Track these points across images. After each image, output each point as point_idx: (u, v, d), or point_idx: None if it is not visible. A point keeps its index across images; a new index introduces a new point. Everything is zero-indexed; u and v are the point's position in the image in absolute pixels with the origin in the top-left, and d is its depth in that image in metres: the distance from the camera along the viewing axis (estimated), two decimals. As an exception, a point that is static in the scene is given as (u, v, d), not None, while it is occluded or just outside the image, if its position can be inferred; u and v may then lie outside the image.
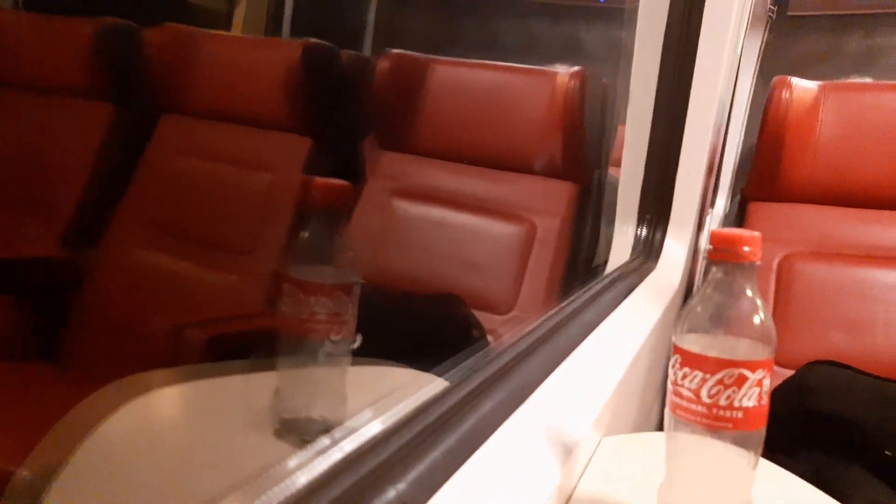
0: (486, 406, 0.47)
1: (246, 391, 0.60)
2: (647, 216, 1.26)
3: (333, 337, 0.55)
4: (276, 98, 1.47)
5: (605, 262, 1.28)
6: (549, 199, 1.41)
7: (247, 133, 1.53)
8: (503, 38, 3.02)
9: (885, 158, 1.20)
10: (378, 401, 0.47)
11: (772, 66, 2.99)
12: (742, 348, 0.43)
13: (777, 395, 1.04)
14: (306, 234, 0.55)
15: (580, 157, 1.42)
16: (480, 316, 1.30)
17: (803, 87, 1.27)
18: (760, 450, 0.45)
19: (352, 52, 1.63)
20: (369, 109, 1.59)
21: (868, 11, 2.88)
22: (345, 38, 1.65)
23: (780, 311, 1.17)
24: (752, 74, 2.90)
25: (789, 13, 2.95)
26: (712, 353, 0.43)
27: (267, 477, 0.32)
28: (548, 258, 1.36)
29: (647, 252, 1.22)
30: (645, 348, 0.82)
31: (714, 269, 0.44)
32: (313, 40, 1.46)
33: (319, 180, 0.52)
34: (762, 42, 2.99)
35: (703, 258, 1.27)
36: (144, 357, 1.26)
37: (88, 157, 1.56)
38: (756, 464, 0.45)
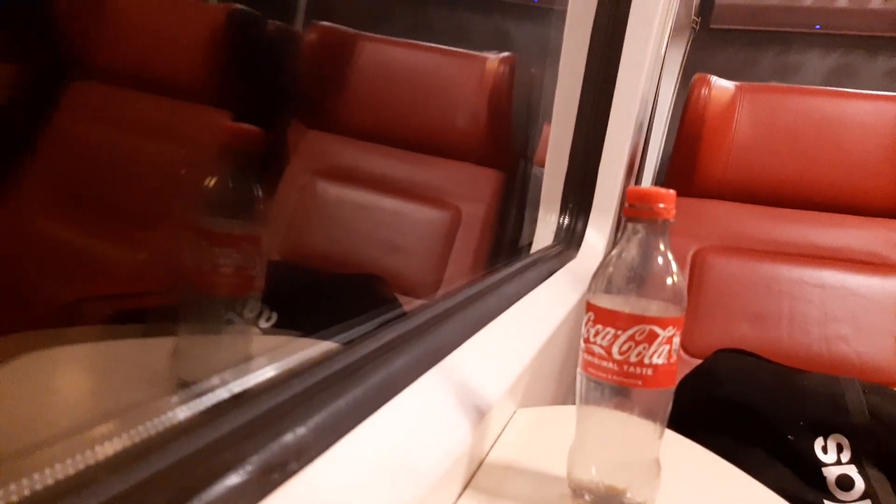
0: (398, 363, 0.45)
1: (144, 353, 0.56)
2: (570, 206, 1.27)
3: (239, 293, 0.52)
4: (196, 66, 1.41)
5: (529, 247, 1.29)
6: (475, 186, 1.41)
7: (163, 103, 1.46)
8: (436, 27, 3.03)
9: (793, 160, 1.25)
10: (279, 360, 0.45)
11: (694, 74, 3.10)
12: (654, 306, 0.43)
13: (686, 382, 1.07)
14: (214, 182, 0.51)
15: (507, 144, 1.42)
16: (403, 300, 1.28)
17: (721, 85, 1.31)
18: (669, 410, 0.45)
19: (280, 22, 1.58)
20: (295, 85, 1.55)
21: (783, 29, 3.03)
22: (274, 9, 1.59)
23: (692, 302, 1.20)
24: (674, 80, 3.01)
25: (711, 25, 3.07)
26: (624, 309, 0.42)
27: (147, 409, 0.29)
28: (472, 244, 1.35)
29: (569, 240, 1.23)
30: (563, 327, 0.82)
31: (630, 227, 0.44)
32: (239, 6, 1.40)
33: (230, 123, 0.49)
34: (685, 50, 3.10)
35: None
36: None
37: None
38: (664, 423, 0.45)
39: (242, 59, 1.48)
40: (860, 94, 1.29)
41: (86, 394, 0.47)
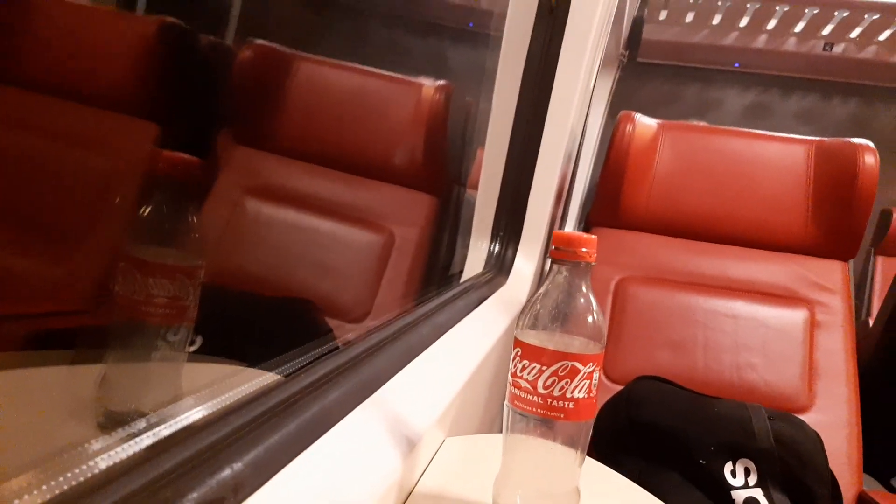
0: (331, 396, 0.46)
1: (69, 380, 0.55)
2: (501, 234, 1.30)
3: (171, 323, 0.52)
4: (123, 77, 1.38)
5: (460, 274, 1.31)
6: (408, 210, 1.42)
7: (87, 113, 1.42)
8: (372, 46, 3.05)
9: (710, 196, 1.33)
10: (215, 395, 0.45)
11: (621, 105, 3.24)
12: (576, 343, 0.45)
13: (607, 407, 1.12)
14: (149, 211, 0.51)
15: (441, 170, 1.45)
16: (334, 324, 1.28)
17: (645, 123, 1.38)
18: (588, 440, 0.48)
19: (212, 37, 1.57)
20: (227, 101, 1.53)
21: (705, 66, 3.21)
22: (207, 24, 1.57)
23: (614, 330, 1.25)
24: (602, 111, 3.13)
25: (638, 59, 3.21)
26: (550, 346, 0.45)
27: (75, 454, 0.29)
28: (404, 268, 1.36)
29: (499, 267, 1.26)
30: (491, 356, 0.84)
31: (555, 267, 0.47)
32: (170, 19, 1.39)
33: (168, 152, 0.50)
34: (613, 82, 3.23)
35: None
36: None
37: None
38: (584, 453, 0.48)
39: (173, 73, 1.46)
40: (773, 136, 1.38)
41: (5, 430, 0.46)
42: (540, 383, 0.45)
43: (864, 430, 1.17)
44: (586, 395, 0.45)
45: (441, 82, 1.43)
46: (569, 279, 0.46)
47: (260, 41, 1.50)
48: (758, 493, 0.93)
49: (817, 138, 1.35)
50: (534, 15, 1.30)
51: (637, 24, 3.06)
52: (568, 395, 0.45)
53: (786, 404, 1.16)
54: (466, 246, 1.37)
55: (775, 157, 1.33)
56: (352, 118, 1.48)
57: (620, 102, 3.26)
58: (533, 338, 0.46)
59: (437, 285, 1.40)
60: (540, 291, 0.47)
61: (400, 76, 1.51)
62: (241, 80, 1.51)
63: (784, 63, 3.05)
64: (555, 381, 0.45)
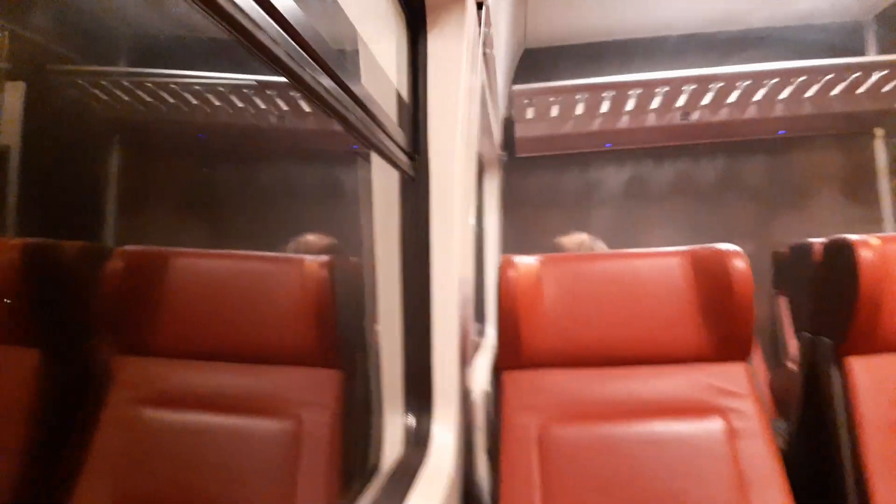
0: None
1: None
2: (412, 403, 1.27)
3: None
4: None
5: (381, 452, 1.26)
6: (314, 390, 1.37)
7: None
8: (262, 182, 3.04)
9: (597, 320, 1.34)
10: None
11: (512, 199, 3.35)
12: None
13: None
14: None
15: (339, 343, 1.41)
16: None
17: (525, 262, 1.40)
18: None
19: (81, 244, 1.50)
20: (105, 314, 1.46)
21: (580, 151, 3.35)
22: (77, 235, 1.52)
23: (546, 481, 1.22)
24: (497, 208, 3.20)
25: (517, 155, 3.34)
26: None
27: None
28: (321, 456, 1.30)
29: (417, 441, 1.22)
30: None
31: None
32: (31, 240, 1.31)
33: None
34: (500, 180, 3.33)
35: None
36: None
37: None
38: None
39: (42, 293, 1.38)
40: (647, 252, 1.43)
41: None
42: None
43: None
44: None
45: (324, 258, 1.41)
46: None
47: (132, 247, 1.44)
48: None
49: (688, 248, 1.40)
50: (398, 184, 1.31)
51: (508, 125, 3.19)
52: None
53: (726, 526, 1.15)
54: (383, 416, 1.33)
55: (654, 272, 1.37)
56: (240, 306, 1.43)
57: (511, 197, 3.37)
58: None
59: (359, 468, 1.34)
60: None
61: (282, 256, 1.49)
62: (116, 288, 1.45)
63: (649, 136, 3.23)
64: None
